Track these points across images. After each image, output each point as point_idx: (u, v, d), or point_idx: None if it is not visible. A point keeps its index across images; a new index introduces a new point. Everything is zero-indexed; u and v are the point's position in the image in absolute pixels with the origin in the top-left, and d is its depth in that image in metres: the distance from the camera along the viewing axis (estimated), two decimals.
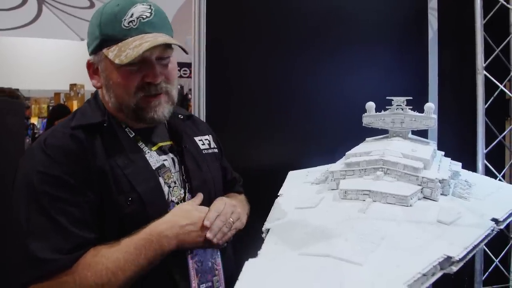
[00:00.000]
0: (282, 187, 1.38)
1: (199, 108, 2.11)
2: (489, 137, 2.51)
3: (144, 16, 1.13)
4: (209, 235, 1.12)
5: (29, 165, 1.10)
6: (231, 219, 1.18)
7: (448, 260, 0.77)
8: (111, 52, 1.11)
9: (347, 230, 0.85)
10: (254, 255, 0.80)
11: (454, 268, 0.77)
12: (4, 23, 7.48)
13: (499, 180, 2.43)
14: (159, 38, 1.13)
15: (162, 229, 1.10)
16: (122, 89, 1.15)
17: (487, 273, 2.52)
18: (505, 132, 2.53)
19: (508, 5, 2.45)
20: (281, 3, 2.31)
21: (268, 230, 0.95)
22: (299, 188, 1.32)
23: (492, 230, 0.96)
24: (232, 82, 2.21)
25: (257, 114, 2.24)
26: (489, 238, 0.94)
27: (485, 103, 2.47)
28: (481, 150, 2.47)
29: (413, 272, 0.68)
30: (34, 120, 6.93)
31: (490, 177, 2.30)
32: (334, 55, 2.33)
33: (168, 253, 1.10)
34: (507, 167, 2.54)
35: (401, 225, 0.89)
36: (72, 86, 7.01)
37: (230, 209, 1.21)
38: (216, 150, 1.43)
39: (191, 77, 2.18)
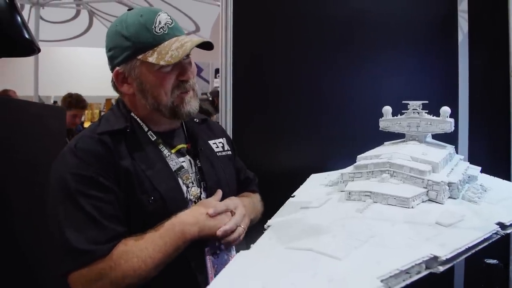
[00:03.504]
0: (298, 188, 1.42)
1: (226, 111, 2.19)
2: None
3: (169, 23, 1.28)
4: (219, 233, 1.22)
5: (62, 168, 1.22)
6: (242, 226, 1.29)
7: (435, 260, 0.78)
8: (151, 57, 1.24)
9: (338, 228, 0.89)
10: None
11: (441, 268, 0.78)
12: (59, 34, 7.93)
13: None
14: (194, 39, 1.28)
15: (183, 218, 1.21)
16: (160, 90, 1.27)
17: None
18: None
19: None
20: (309, 7, 2.34)
21: (269, 227, 1.00)
22: (314, 189, 1.36)
23: (496, 234, 0.95)
24: (259, 86, 2.26)
25: (284, 117, 2.27)
26: (490, 241, 0.94)
27: None
28: None
29: (391, 269, 0.70)
30: (87, 124, 7.28)
31: None
32: (362, 59, 2.34)
33: (191, 241, 1.20)
34: None
35: (396, 226, 0.91)
36: None
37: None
38: (229, 152, 1.52)
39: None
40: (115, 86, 1.34)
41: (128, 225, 1.22)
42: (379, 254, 0.77)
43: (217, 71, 7.68)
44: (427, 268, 0.77)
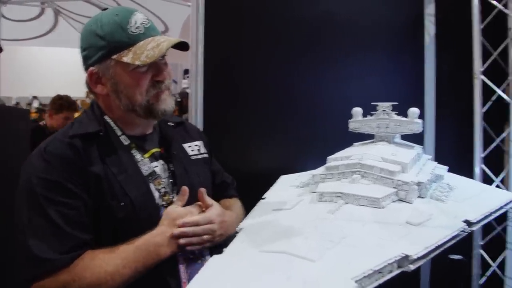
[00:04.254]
0: (269, 190, 1.42)
1: (196, 113, 2.17)
2: (488, 141, 2.51)
3: (146, 23, 1.25)
4: (182, 241, 1.20)
5: (30, 170, 1.18)
6: (205, 237, 1.23)
7: (406, 259, 0.79)
8: (126, 57, 1.21)
9: (310, 230, 0.89)
10: None
11: (412, 267, 0.80)
12: (23, 33, 7.69)
13: (497, 184, 2.43)
14: (170, 38, 1.26)
15: (158, 241, 1.18)
16: (135, 90, 1.24)
17: (484, 277, 2.52)
18: (502, 136, 2.52)
19: (506, 10, 2.46)
20: (279, 10, 2.35)
21: (241, 230, 0.99)
22: (285, 191, 1.36)
23: (463, 231, 0.98)
24: (230, 87, 2.26)
25: (255, 118, 2.28)
26: (457, 238, 0.96)
27: (483, 107, 2.48)
28: (478, 154, 2.47)
29: (364, 269, 0.71)
30: None
31: (488, 181, 2.31)
32: (331, 60, 2.36)
33: (164, 258, 1.18)
34: (504, 171, 2.52)
35: (367, 226, 0.92)
36: (88, 93, 7.14)
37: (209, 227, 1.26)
38: (206, 155, 1.50)
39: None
40: (89, 87, 1.30)
41: (97, 232, 1.18)
42: (351, 255, 0.78)
43: (185, 72, 7.61)
44: (399, 267, 0.78)
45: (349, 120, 1.45)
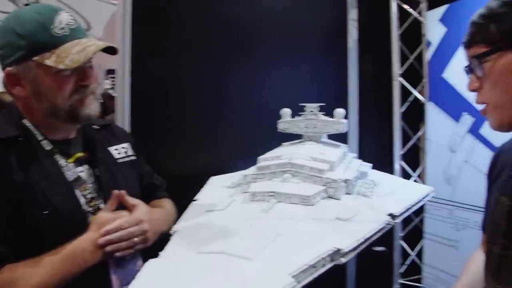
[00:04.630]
0: (200, 191, 1.40)
1: (123, 114, 2.10)
2: (406, 139, 2.69)
3: (71, 23, 1.18)
4: (108, 249, 1.14)
5: None
6: (135, 239, 1.19)
7: (338, 252, 0.83)
8: (48, 59, 1.13)
9: (245, 229, 0.90)
10: None
11: (343, 260, 0.83)
12: None
13: (415, 179, 2.61)
14: (97, 42, 1.19)
15: (84, 247, 1.12)
16: (57, 94, 1.17)
17: (404, 266, 2.69)
18: (418, 134, 2.72)
19: (420, 18, 2.65)
20: (207, 10, 2.35)
21: (175, 233, 0.98)
22: (216, 192, 1.35)
23: (388, 224, 1.03)
24: (158, 88, 2.22)
25: (183, 120, 2.26)
26: (383, 231, 1.01)
27: (401, 108, 2.65)
28: (397, 152, 2.65)
29: (299, 264, 0.73)
30: None
31: (406, 177, 2.48)
32: (257, 62, 2.40)
33: (93, 265, 1.12)
34: (421, 167, 2.72)
35: (300, 223, 0.94)
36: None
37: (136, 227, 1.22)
38: (133, 158, 1.45)
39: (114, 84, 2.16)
40: (7, 88, 1.21)
41: (21, 244, 1.11)
42: (287, 252, 0.80)
43: (108, 72, 7.33)
44: (331, 260, 0.81)
45: (278, 121, 1.47)
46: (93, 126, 1.39)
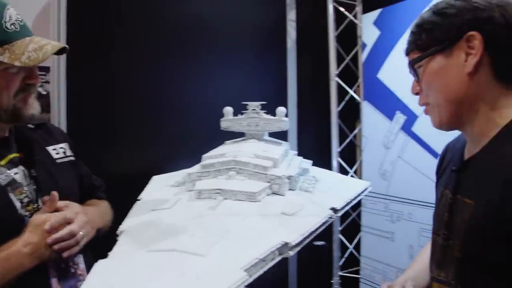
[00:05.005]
0: (143, 191, 1.38)
1: (59, 114, 2.01)
2: (343, 137, 2.80)
3: (20, 20, 1.14)
4: (56, 247, 1.10)
5: None
6: (81, 233, 1.16)
7: (286, 246, 0.85)
8: (1, 55, 1.08)
9: (194, 226, 0.90)
10: None
11: (291, 253, 0.86)
12: None
13: (352, 175, 2.72)
14: (52, 42, 1.16)
15: (19, 248, 1.06)
16: (3, 92, 1.12)
17: (343, 259, 2.80)
18: (354, 132, 2.84)
19: (356, 20, 2.76)
20: (148, 9, 2.31)
21: (122, 232, 0.96)
22: (160, 191, 1.34)
23: (330, 218, 1.07)
24: (95, 87, 2.15)
25: (122, 119, 2.21)
26: (326, 224, 1.05)
27: (338, 107, 2.75)
28: (335, 149, 2.74)
29: (250, 258, 0.75)
30: None
31: (343, 173, 2.57)
32: (199, 61, 2.40)
33: (31, 268, 1.07)
34: (357, 163, 2.84)
35: (247, 219, 0.96)
36: None
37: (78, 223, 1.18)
38: (72, 158, 1.39)
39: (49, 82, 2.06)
40: None
41: None
42: (237, 247, 0.81)
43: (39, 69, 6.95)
44: (280, 254, 0.83)
45: (221, 119, 1.48)
46: (28, 125, 1.32)
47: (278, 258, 0.83)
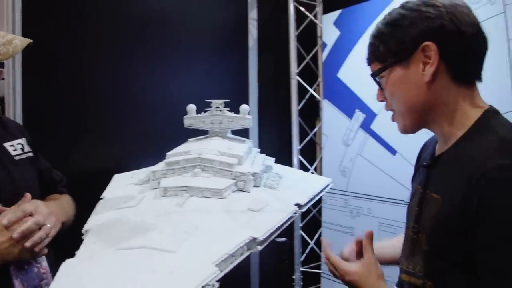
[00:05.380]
0: (105, 190, 1.36)
1: (15, 110, 1.94)
2: (303, 135, 2.85)
3: None
4: (28, 244, 1.05)
5: None
6: (48, 225, 1.12)
7: (254, 241, 0.87)
8: None
9: (163, 224, 0.90)
10: None
11: (259, 247, 0.87)
12: None
13: (312, 172, 2.77)
14: (18, 37, 1.15)
15: None
16: None
17: (304, 255, 2.85)
18: (315, 130, 2.90)
19: (316, 20, 2.81)
20: (109, 5, 2.26)
21: (87, 231, 0.94)
22: (123, 189, 1.32)
23: (295, 213, 1.10)
24: (53, 83, 2.08)
25: (82, 116, 2.16)
26: (292, 220, 1.08)
27: (298, 105, 2.79)
28: (295, 146, 2.78)
29: (220, 254, 0.76)
30: None
31: (304, 170, 2.62)
32: (161, 59, 2.37)
33: None
34: (317, 161, 2.90)
35: (214, 215, 0.97)
36: None
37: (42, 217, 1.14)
38: (31, 154, 1.34)
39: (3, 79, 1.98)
40: None
41: None
42: (206, 243, 0.82)
43: None
44: (248, 249, 0.85)
45: (184, 117, 1.48)
46: None
47: (246, 253, 0.84)
